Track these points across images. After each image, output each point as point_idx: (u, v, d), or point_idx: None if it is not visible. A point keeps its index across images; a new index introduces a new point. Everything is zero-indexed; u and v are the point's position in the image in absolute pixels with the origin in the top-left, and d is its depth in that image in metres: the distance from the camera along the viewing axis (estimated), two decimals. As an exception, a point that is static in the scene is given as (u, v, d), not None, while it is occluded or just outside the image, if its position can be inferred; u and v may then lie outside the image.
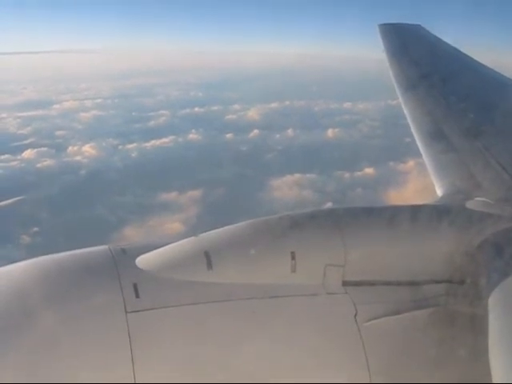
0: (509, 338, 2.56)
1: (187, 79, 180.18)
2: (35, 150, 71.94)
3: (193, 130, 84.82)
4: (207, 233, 2.92)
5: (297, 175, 60.00)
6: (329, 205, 45.02)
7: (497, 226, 3.26)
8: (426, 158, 5.47)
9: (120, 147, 76.02)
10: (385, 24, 10.67)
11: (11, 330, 2.29)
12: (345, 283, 2.82)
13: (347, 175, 61.03)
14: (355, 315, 2.71)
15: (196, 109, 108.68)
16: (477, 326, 2.73)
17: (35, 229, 45.70)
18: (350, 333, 2.68)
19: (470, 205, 3.62)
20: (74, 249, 2.82)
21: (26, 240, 43.80)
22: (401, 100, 7.23)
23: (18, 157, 69.98)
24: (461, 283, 3.01)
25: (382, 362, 2.66)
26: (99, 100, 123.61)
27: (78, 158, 70.99)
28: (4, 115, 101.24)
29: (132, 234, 43.05)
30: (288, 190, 56.88)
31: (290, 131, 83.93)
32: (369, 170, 62.01)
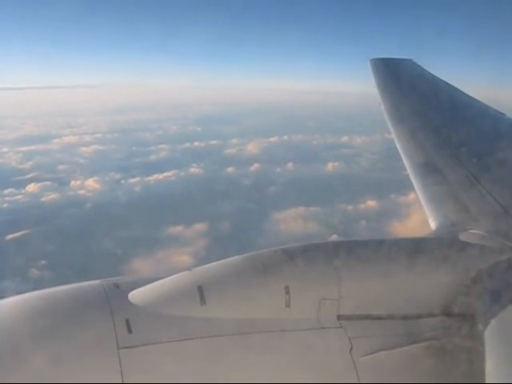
0: (506, 371, 2.53)
1: (184, 114, 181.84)
2: (39, 184, 72.48)
3: (194, 164, 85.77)
4: (201, 267, 2.88)
5: (301, 208, 60.36)
6: (334, 237, 45.37)
7: (491, 258, 3.26)
8: (418, 191, 5.47)
9: (122, 181, 76.64)
10: (376, 59, 10.74)
11: (1, 366, 2.26)
12: (340, 317, 2.79)
13: (350, 208, 61.53)
14: (350, 350, 2.68)
15: (196, 143, 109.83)
16: (473, 360, 2.72)
17: (43, 262, 45.61)
18: (345, 368, 2.64)
19: (463, 237, 3.60)
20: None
21: (34, 273, 43.69)
22: (393, 133, 7.25)
23: (22, 191, 70.36)
24: (456, 316, 2.99)
25: None
26: (98, 135, 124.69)
27: (82, 191, 71.54)
28: (5, 149, 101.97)
29: (141, 267, 42.98)
30: (293, 222, 57.13)
31: (290, 165, 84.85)
32: (371, 203, 62.51)
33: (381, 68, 10.20)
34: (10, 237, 52.35)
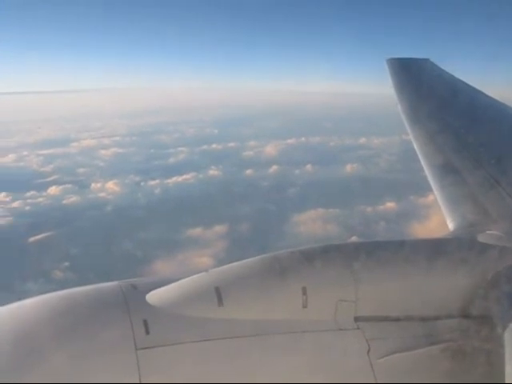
0: None
1: (201, 117, 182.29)
2: (60, 187, 73.30)
3: (212, 167, 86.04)
4: (218, 268, 2.89)
5: (320, 210, 60.34)
6: (353, 239, 45.11)
7: (509, 259, 3.24)
8: (436, 192, 5.46)
9: (142, 184, 77.24)
10: (393, 59, 10.57)
11: (20, 366, 2.29)
12: (357, 319, 2.78)
13: (370, 209, 61.45)
14: (368, 351, 2.68)
15: (213, 145, 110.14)
16: (492, 361, 2.72)
17: (66, 264, 46.15)
18: (363, 369, 2.64)
19: (481, 238, 3.56)
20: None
21: (58, 275, 44.20)
22: (410, 134, 7.21)
23: (44, 193, 71.21)
24: (475, 318, 2.97)
25: None
26: (117, 138, 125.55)
27: (102, 194, 72.20)
28: (25, 153, 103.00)
29: (161, 269, 43.32)
30: (312, 224, 57.15)
31: (308, 167, 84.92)
32: (391, 204, 62.35)
33: (397, 68, 10.09)
34: (32, 239, 53.05)
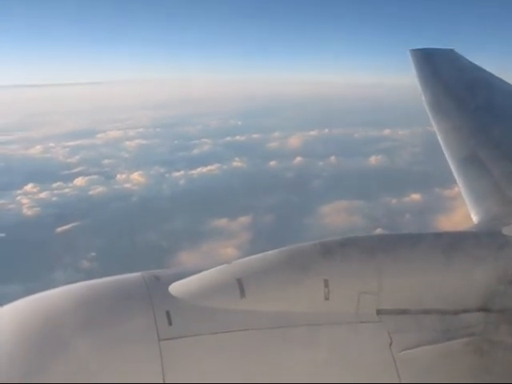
0: None
1: (224, 108, 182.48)
2: (86, 178, 74.10)
3: (236, 158, 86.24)
4: (240, 260, 2.89)
5: (344, 202, 60.20)
6: (378, 231, 45.14)
7: None
8: (460, 184, 5.46)
9: (167, 175, 77.75)
10: (416, 49, 10.48)
11: (45, 355, 2.31)
12: (379, 312, 2.77)
13: (394, 201, 61.17)
14: (390, 344, 2.66)
15: (237, 137, 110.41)
16: None
17: (93, 254, 46.78)
18: (384, 362, 2.63)
19: (506, 231, 3.52)
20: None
21: (85, 265, 44.80)
22: (434, 126, 7.17)
23: (70, 184, 72.08)
24: (498, 312, 2.95)
25: None
26: (141, 129, 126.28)
27: (128, 185, 72.88)
28: (52, 144, 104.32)
29: (186, 260, 43.67)
30: (336, 216, 57.04)
31: (332, 158, 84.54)
32: (415, 196, 61.97)
33: (421, 58, 9.98)
34: (60, 229, 53.84)
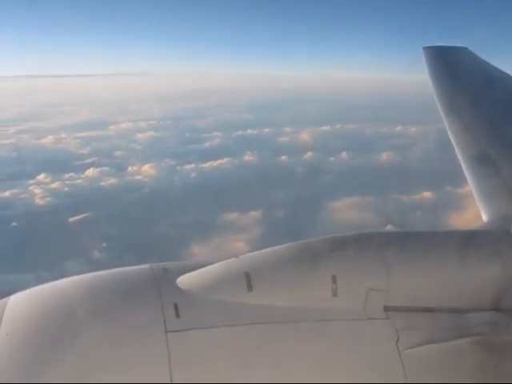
0: None
1: (235, 102, 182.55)
2: (97, 169, 74.34)
3: (247, 152, 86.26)
4: (248, 254, 2.89)
5: (355, 198, 60.08)
6: (389, 227, 45.12)
7: None
8: (470, 183, 5.43)
9: (178, 168, 77.95)
10: (429, 47, 10.41)
11: (53, 344, 2.33)
12: (386, 308, 2.75)
13: (406, 198, 60.94)
14: (397, 341, 2.65)
15: (248, 131, 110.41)
16: None
17: (104, 244, 47.02)
18: (391, 359, 2.61)
19: None
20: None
21: (96, 255, 45.04)
22: (445, 124, 7.13)
23: (82, 175, 72.39)
24: (507, 311, 2.94)
25: None
26: (153, 121, 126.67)
27: (139, 177, 73.11)
28: (64, 135, 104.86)
29: (198, 252, 43.79)
30: (347, 211, 56.93)
31: (344, 154, 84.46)
32: (427, 194, 61.75)
33: (434, 56, 9.89)
34: (71, 219, 54.15)
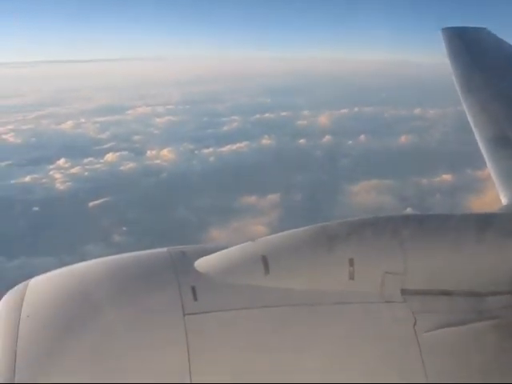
0: None
1: (253, 85, 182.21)
2: (117, 154, 74.89)
3: (265, 136, 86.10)
4: (265, 237, 2.88)
5: (374, 181, 59.91)
6: (408, 210, 45.06)
7: None
8: (489, 165, 5.34)
9: (196, 152, 78.20)
10: (448, 28, 10.22)
11: (73, 325, 2.36)
12: (404, 292, 2.72)
13: (425, 181, 60.74)
14: (414, 324, 2.62)
15: (266, 114, 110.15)
16: None
17: (124, 228, 47.51)
18: (408, 342, 2.58)
19: None
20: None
21: (116, 239, 45.56)
22: (464, 105, 7.02)
23: (101, 160, 72.98)
24: None
25: (440, 374, 2.57)
26: (171, 106, 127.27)
27: (158, 161, 73.62)
28: (83, 120, 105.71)
29: (217, 236, 44.08)
30: (366, 195, 56.91)
31: (362, 137, 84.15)
32: (446, 177, 61.43)
33: (453, 37, 9.72)
34: (91, 204, 54.74)
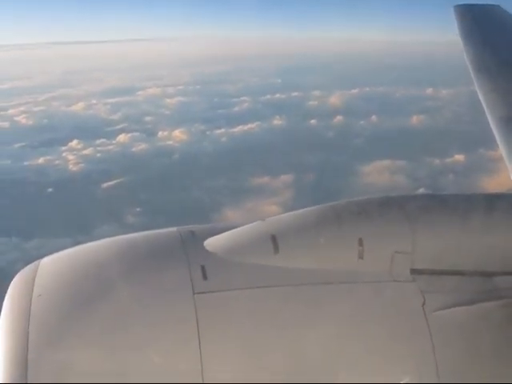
0: None
1: (263, 66, 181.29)
2: (128, 135, 74.97)
3: (276, 116, 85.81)
4: (274, 217, 2.88)
5: (386, 161, 59.73)
6: (421, 190, 44.97)
7: None
8: (500, 144, 5.33)
9: (208, 132, 78.13)
10: (460, 5, 9.98)
11: (84, 304, 2.38)
12: (413, 271, 2.71)
13: (437, 162, 60.40)
14: (423, 304, 2.61)
15: (277, 95, 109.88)
16: None
17: (138, 209, 47.69)
18: (416, 322, 2.58)
19: None
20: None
21: (130, 219, 45.76)
22: (475, 85, 6.95)
23: (113, 141, 73.09)
24: None
25: (449, 353, 2.57)
26: (181, 87, 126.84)
27: (170, 142, 73.70)
28: (94, 101, 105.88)
29: (230, 217, 44.20)
30: (378, 175, 56.73)
31: (374, 117, 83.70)
32: (459, 157, 61.02)
33: (465, 15, 9.55)
34: (105, 185, 55.04)
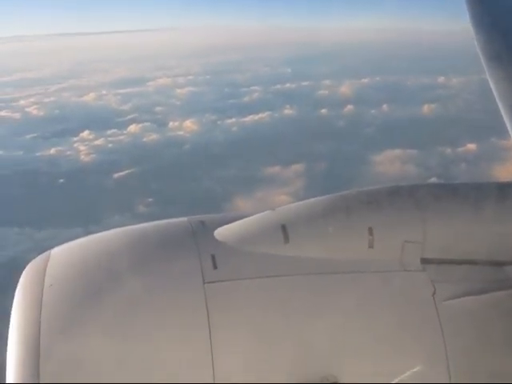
0: None
1: (273, 55, 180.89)
2: (139, 125, 75.21)
3: (287, 106, 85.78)
4: (284, 206, 2.87)
5: (397, 150, 59.55)
6: (433, 180, 44.82)
7: None
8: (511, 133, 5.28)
9: (219, 122, 78.31)
10: None
11: (95, 294, 2.39)
12: (423, 261, 2.69)
13: (449, 151, 60.09)
14: (433, 293, 2.59)
15: (287, 84, 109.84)
16: None
17: (149, 199, 47.94)
18: (427, 311, 2.56)
19: None
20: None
21: (141, 209, 46.00)
22: (486, 72, 6.61)
23: (124, 131, 73.37)
24: None
25: (459, 343, 2.54)
26: (191, 77, 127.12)
27: (181, 132, 73.78)
28: (104, 92, 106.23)
29: (242, 206, 44.34)
30: (390, 165, 56.59)
31: (385, 106, 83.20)
32: (471, 146, 60.66)
33: (476, 1, 9.68)
34: (116, 175, 55.29)
